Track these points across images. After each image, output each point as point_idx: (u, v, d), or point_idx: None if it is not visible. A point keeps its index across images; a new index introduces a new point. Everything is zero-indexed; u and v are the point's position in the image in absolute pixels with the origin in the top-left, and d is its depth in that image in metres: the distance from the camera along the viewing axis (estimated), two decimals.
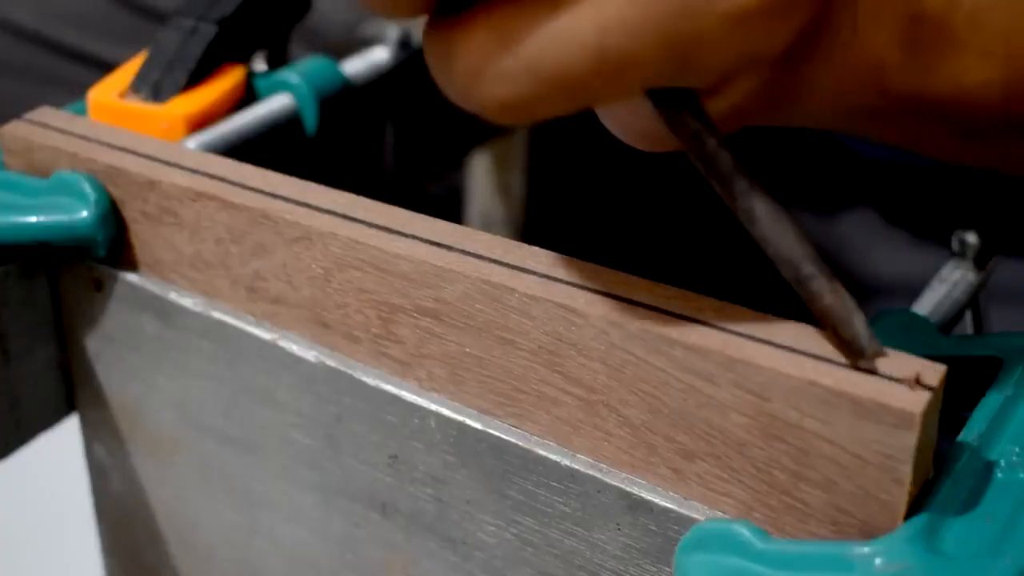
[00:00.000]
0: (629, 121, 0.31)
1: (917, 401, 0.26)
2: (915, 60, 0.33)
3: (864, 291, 0.59)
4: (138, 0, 0.68)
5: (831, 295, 0.28)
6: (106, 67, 0.54)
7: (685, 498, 0.30)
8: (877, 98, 0.33)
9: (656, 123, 0.29)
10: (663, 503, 0.30)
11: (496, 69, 0.26)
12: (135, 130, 0.40)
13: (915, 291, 0.37)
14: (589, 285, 0.30)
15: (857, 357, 0.27)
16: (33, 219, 0.38)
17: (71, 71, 0.67)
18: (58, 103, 0.43)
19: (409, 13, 0.27)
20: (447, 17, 0.27)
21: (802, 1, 0.28)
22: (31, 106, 0.41)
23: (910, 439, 0.26)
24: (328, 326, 0.35)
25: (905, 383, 0.26)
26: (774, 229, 0.28)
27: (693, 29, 0.26)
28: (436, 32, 0.27)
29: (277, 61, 0.51)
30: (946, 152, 0.37)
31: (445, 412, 0.33)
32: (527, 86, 0.26)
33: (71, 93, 0.48)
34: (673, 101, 0.28)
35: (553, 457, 0.32)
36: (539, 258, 0.32)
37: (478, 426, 0.33)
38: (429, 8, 0.27)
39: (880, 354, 0.27)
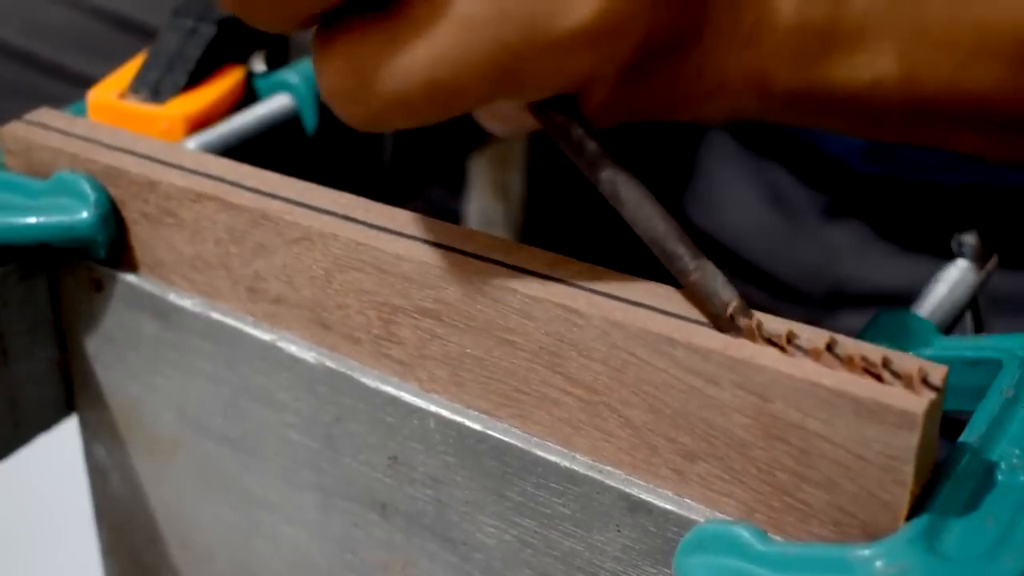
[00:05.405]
0: (500, 113, 0.34)
1: (919, 402, 0.26)
2: (800, 66, 0.34)
3: (855, 301, 0.60)
4: (125, 16, 0.67)
5: (696, 272, 0.29)
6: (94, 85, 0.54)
7: (686, 499, 0.30)
8: (763, 99, 0.35)
9: (526, 116, 0.32)
10: (663, 504, 0.30)
11: (348, 92, 0.28)
12: (135, 131, 0.40)
13: (905, 301, 0.36)
14: (590, 286, 0.30)
15: (728, 331, 0.28)
16: (33, 220, 0.38)
17: (60, 89, 0.66)
18: None
19: (279, 28, 0.29)
20: (320, 33, 0.29)
21: (628, 27, 0.29)
22: None
23: (912, 439, 0.26)
24: (329, 327, 0.35)
25: (907, 383, 0.26)
26: (639, 212, 0.30)
27: (514, 62, 0.28)
28: (314, 48, 0.29)
29: (277, 61, 0.51)
30: (873, 136, 0.38)
31: (444, 413, 0.33)
32: (375, 108, 0.28)
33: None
34: (544, 101, 0.30)
35: (552, 458, 0.32)
36: (540, 259, 0.32)
37: (477, 427, 0.33)
38: (298, 25, 0.29)
39: (753, 327, 0.28)
